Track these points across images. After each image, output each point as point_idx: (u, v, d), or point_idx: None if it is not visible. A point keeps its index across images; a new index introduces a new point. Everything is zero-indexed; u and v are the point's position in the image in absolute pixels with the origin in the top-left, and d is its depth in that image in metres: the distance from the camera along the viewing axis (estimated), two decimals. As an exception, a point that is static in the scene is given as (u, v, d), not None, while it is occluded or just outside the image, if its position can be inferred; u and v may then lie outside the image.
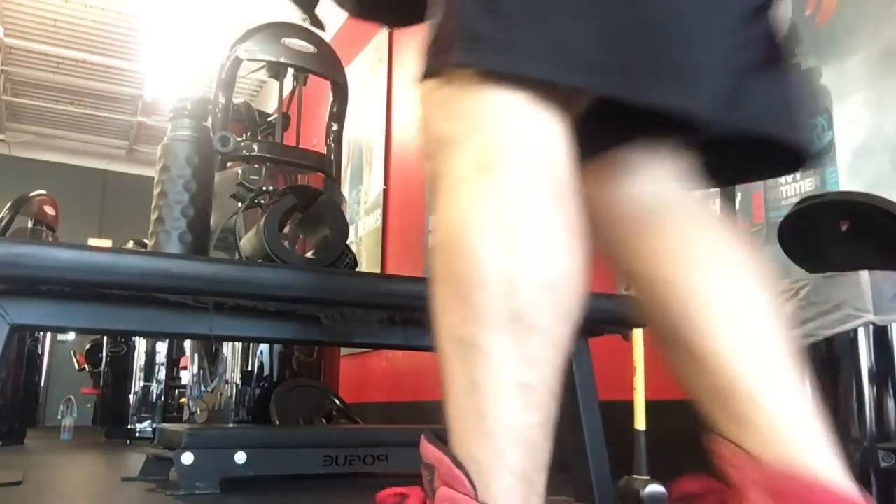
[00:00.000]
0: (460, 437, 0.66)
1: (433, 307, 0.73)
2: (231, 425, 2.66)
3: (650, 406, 1.73)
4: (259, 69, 2.92)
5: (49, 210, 4.17)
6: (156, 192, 1.46)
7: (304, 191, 1.79)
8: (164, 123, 6.98)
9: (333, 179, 2.88)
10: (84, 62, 6.67)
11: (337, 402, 2.75)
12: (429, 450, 0.68)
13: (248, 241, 1.77)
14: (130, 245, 4.34)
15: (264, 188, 1.79)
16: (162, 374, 4.57)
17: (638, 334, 1.74)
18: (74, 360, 5.67)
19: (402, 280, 1.29)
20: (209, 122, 2.40)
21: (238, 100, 3.09)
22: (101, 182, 8.79)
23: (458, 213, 0.67)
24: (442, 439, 0.68)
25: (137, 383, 4.51)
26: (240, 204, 1.76)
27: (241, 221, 1.80)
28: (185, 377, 4.26)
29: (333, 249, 1.66)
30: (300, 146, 3.07)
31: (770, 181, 2.07)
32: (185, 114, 1.59)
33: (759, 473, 0.68)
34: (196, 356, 2.93)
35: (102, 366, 4.78)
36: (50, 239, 4.09)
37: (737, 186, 1.74)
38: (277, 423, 2.52)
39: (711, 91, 0.70)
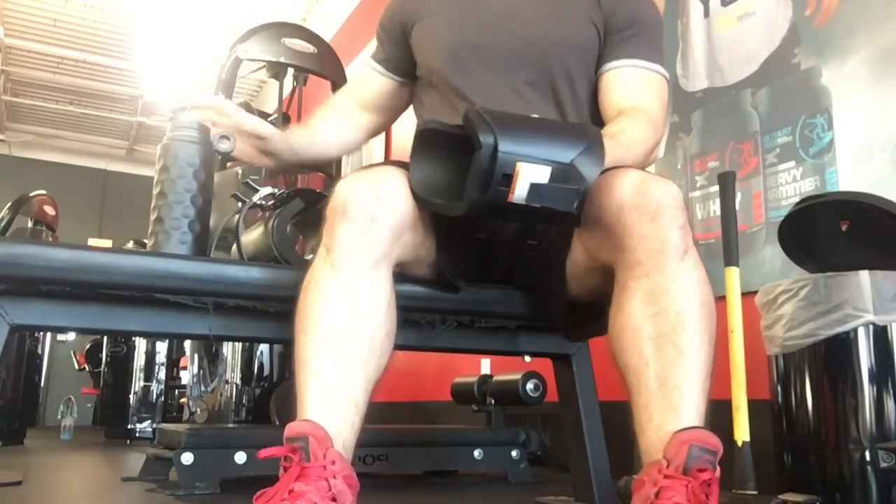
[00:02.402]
0: None
1: None
2: (231, 425, 2.66)
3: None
4: (259, 69, 2.92)
5: (49, 210, 4.17)
6: (155, 191, 1.45)
7: (309, 193, 1.79)
8: (164, 123, 6.94)
9: (333, 179, 2.88)
10: (84, 62, 6.67)
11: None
12: None
13: (251, 242, 1.77)
14: (130, 245, 4.34)
15: (272, 189, 1.79)
16: (162, 374, 4.57)
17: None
18: (74, 360, 5.67)
19: (401, 281, 1.29)
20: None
21: (238, 100, 3.09)
22: (101, 182, 8.79)
23: None
24: None
25: (137, 383, 4.51)
26: (239, 204, 1.76)
27: (242, 221, 1.80)
28: (185, 377, 4.26)
29: None
30: (300, 146, 3.06)
31: (770, 181, 2.07)
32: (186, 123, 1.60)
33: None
34: (196, 356, 2.93)
35: (102, 366, 4.77)
36: (50, 239, 4.09)
37: (737, 186, 1.73)
38: (277, 423, 2.52)
39: None
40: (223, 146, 1.29)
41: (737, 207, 1.69)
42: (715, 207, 2.22)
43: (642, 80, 1.34)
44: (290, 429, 0.93)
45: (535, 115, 1.09)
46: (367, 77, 1.52)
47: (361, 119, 1.53)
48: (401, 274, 1.25)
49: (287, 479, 0.90)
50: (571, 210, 0.98)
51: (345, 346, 1.00)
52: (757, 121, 2.14)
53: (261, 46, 2.74)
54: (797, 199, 1.75)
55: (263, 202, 1.80)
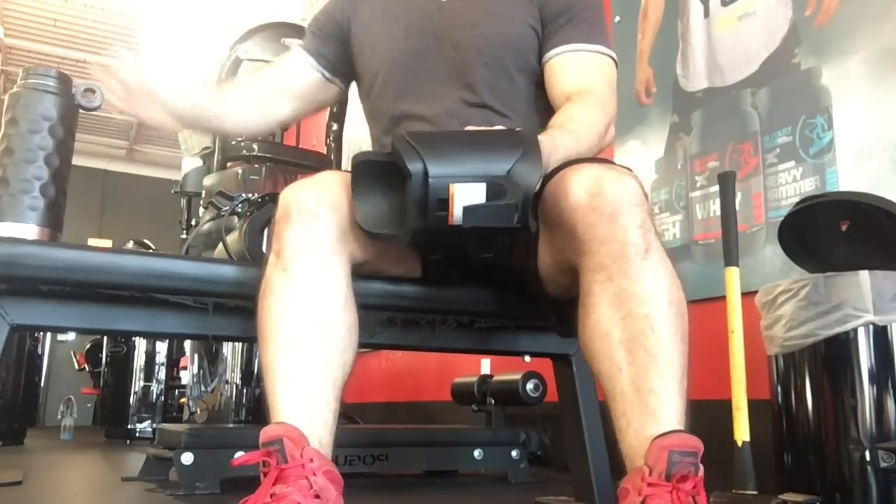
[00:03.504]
0: None
1: None
2: (231, 425, 2.66)
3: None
4: (259, 69, 2.91)
5: (49, 210, 4.16)
6: (0, 148, 1.21)
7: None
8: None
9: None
10: (84, 62, 6.67)
11: (337, 402, 2.75)
12: None
13: (232, 244, 1.79)
14: (130, 245, 4.34)
15: (244, 196, 1.81)
16: (162, 374, 4.57)
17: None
18: (74, 360, 5.66)
19: (401, 281, 1.29)
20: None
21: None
22: (101, 182, 8.79)
23: None
24: None
25: (137, 383, 4.51)
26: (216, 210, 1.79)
27: (224, 227, 1.82)
28: (185, 377, 4.26)
29: None
30: (300, 146, 3.07)
31: (770, 181, 2.07)
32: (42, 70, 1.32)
33: None
34: (196, 356, 2.93)
35: (102, 366, 4.77)
36: (50, 239, 4.08)
37: (737, 186, 1.73)
38: (277, 423, 2.52)
39: None
40: (88, 100, 1.21)
41: (737, 207, 1.69)
42: (715, 207, 2.22)
43: (585, 62, 1.33)
44: (265, 433, 0.93)
45: (471, 127, 1.07)
46: (297, 67, 1.49)
47: (280, 107, 1.49)
48: (383, 275, 1.25)
49: (267, 483, 0.89)
50: (511, 224, 0.96)
51: (305, 345, 1.00)
52: (757, 121, 2.14)
53: (261, 46, 2.74)
54: (797, 199, 1.75)
55: (241, 208, 1.81)
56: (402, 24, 1.40)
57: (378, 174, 1.05)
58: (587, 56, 1.33)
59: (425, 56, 1.36)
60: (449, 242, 1.16)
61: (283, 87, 1.48)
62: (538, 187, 1.01)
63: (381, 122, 1.42)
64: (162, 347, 4.60)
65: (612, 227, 0.95)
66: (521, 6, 1.37)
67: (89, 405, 5.78)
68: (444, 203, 0.94)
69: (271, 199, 1.75)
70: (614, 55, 1.36)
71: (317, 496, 0.89)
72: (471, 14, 1.37)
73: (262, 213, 1.69)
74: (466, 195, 0.94)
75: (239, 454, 1.89)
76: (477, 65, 1.34)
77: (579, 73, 1.32)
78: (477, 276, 1.34)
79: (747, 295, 1.64)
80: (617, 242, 0.95)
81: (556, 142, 1.11)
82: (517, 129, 1.10)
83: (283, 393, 0.98)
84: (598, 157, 1.14)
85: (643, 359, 0.93)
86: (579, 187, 0.98)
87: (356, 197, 1.06)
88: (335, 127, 3.01)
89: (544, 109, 1.36)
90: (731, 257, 1.59)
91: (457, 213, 0.95)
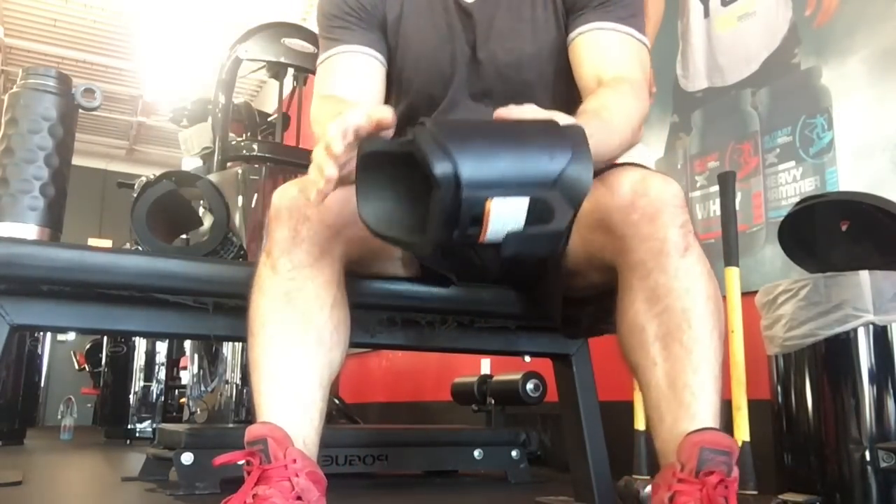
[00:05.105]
0: None
1: None
2: (231, 425, 2.66)
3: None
4: (259, 69, 2.92)
5: (49, 210, 4.16)
6: (0, 148, 1.20)
7: (183, 176, 1.77)
8: (164, 123, 6.94)
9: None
10: (84, 62, 6.67)
11: (337, 402, 2.75)
12: None
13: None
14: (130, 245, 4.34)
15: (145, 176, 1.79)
16: (162, 374, 4.56)
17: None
18: (74, 360, 5.66)
19: (401, 281, 1.29)
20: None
21: (238, 100, 3.09)
22: (101, 182, 8.78)
23: None
24: None
25: (137, 383, 4.51)
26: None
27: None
28: (185, 377, 4.25)
29: (214, 238, 1.66)
30: (300, 146, 3.07)
31: (770, 181, 2.07)
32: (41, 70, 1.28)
33: None
34: (196, 356, 2.93)
35: (102, 366, 4.77)
36: (50, 239, 4.08)
37: (737, 186, 1.73)
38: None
39: None
40: (88, 100, 1.19)
41: (737, 207, 1.69)
42: (715, 207, 2.22)
43: (619, 43, 1.20)
44: (249, 432, 0.92)
45: (502, 110, 0.86)
46: (361, 65, 1.29)
47: None
48: (380, 273, 1.23)
49: (249, 483, 0.89)
50: (555, 254, 0.88)
51: (292, 344, 1.00)
52: (757, 121, 2.14)
53: (261, 46, 2.74)
54: (797, 199, 1.75)
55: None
56: (431, 24, 1.29)
57: (390, 165, 0.85)
58: (621, 37, 1.20)
59: (457, 62, 1.27)
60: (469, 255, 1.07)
61: (368, 94, 1.28)
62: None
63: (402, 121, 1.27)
64: (162, 347, 4.60)
65: (653, 225, 0.96)
66: (549, 7, 1.26)
67: (89, 405, 5.78)
68: (479, 218, 0.77)
69: (166, 175, 1.69)
70: (648, 43, 1.23)
71: (298, 498, 0.89)
72: (502, 23, 1.26)
73: (151, 192, 1.61)
74: (505, 211, 0.76)
75: (239, 454, 1.91)
76: (516, 77, 1.26)
77: (614, 55, 1.19)
78: (495, 272, 1.33)
79: (747, 295, 1.64)
80: (657, 240, 0.95)
81: (590, 131, 0.91)
82: (557, 122, 0.86)
83: (268, 392, 0.97)
84: (637, 163, 1.07)
85: (678, 353, 0.93)
86: (625, 187, 0.98)
87: (361, 193, 0.84)
88: (335, 127, 3.00)
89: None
90: (731, 257, 1.59)
91: (492, 233, 0.78)
